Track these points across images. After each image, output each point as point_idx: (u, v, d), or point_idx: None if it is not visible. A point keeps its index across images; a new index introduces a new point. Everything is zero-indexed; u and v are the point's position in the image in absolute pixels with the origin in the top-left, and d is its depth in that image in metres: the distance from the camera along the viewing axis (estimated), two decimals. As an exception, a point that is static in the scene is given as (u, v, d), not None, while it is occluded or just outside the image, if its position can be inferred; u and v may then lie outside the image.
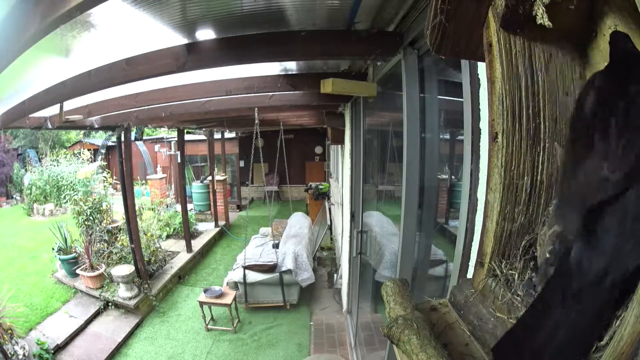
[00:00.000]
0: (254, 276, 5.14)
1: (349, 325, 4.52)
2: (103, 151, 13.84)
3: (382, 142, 4.00)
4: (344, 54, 2.18)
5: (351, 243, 4.00)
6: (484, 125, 1.07)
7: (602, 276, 0.39)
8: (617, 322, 0.39)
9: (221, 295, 4.87)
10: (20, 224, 9.40)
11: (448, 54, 0.65)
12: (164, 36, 1.87)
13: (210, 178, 9.23)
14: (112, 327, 4.78)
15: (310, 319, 5.03)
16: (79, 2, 1.12)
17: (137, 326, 4.93)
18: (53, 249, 5.71)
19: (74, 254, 5.59)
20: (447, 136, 2.47)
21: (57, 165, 10.73)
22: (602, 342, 0.40)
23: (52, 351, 4.08)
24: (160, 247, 6.45)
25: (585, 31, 0.56)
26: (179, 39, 1.92)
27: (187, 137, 8.65)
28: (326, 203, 7.63)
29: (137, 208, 5.92)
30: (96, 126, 4.61)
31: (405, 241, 2.00)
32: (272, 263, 5.18)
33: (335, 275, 5.84)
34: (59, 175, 10.46)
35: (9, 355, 3.61)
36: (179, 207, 8.23)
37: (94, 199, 6.25)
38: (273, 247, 5.68)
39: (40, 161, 12.14)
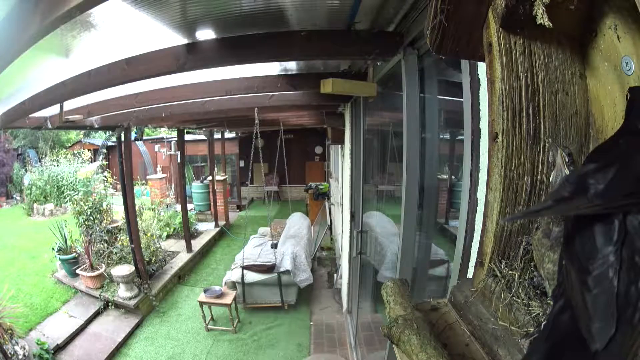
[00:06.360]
0: (252, 276, 5.14)
1: (349, 325, 4.52)
2: (104, 151, 13.82)
3: (382, 142, 4.00)
4: (343, 54, 2.17)
5: (351, 243, 3.99)
6: (484, 125, 1.07)
7: None
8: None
9: (221, 295, 4.87)
10: (20, 224, 9.39)
11: (448, 54, 0.65)
12: (164, 36, 1.87)
13: (210, 178, 9.23)
14: (112, 327, 4.78)
15: (310, 319, 5.02)
16: (79, 2, 1.12)
17: (137, 326, 4.92)
18: (53, 249, 5.71)
19: (74, 254, 5.58)
20: (447, 136, 2.46)
21: (57, 165, 10.72)
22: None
23: (52, 351, 4.07)
24: (160, 247, 6.44)
25: (585, 31, 0.56)
26: (179, 39, 1.92)
27: (187, 137, 8.64)
28: (326, 203, 7.62)
29: (137, 208, 5.91)
30: (96, 126, 4.61)
31: (405, 241, 2.00)
32: (270, 263, 5.17)
33: (335, 275, 5.84)
34: (59, 175, 10.46)
35: (9, 356, 3.61)
36: (179, 207, 8.22)
37: (94, 199, 6.23)
38: (271, 247, 5.68)
39: (40, 161, 12.13)
